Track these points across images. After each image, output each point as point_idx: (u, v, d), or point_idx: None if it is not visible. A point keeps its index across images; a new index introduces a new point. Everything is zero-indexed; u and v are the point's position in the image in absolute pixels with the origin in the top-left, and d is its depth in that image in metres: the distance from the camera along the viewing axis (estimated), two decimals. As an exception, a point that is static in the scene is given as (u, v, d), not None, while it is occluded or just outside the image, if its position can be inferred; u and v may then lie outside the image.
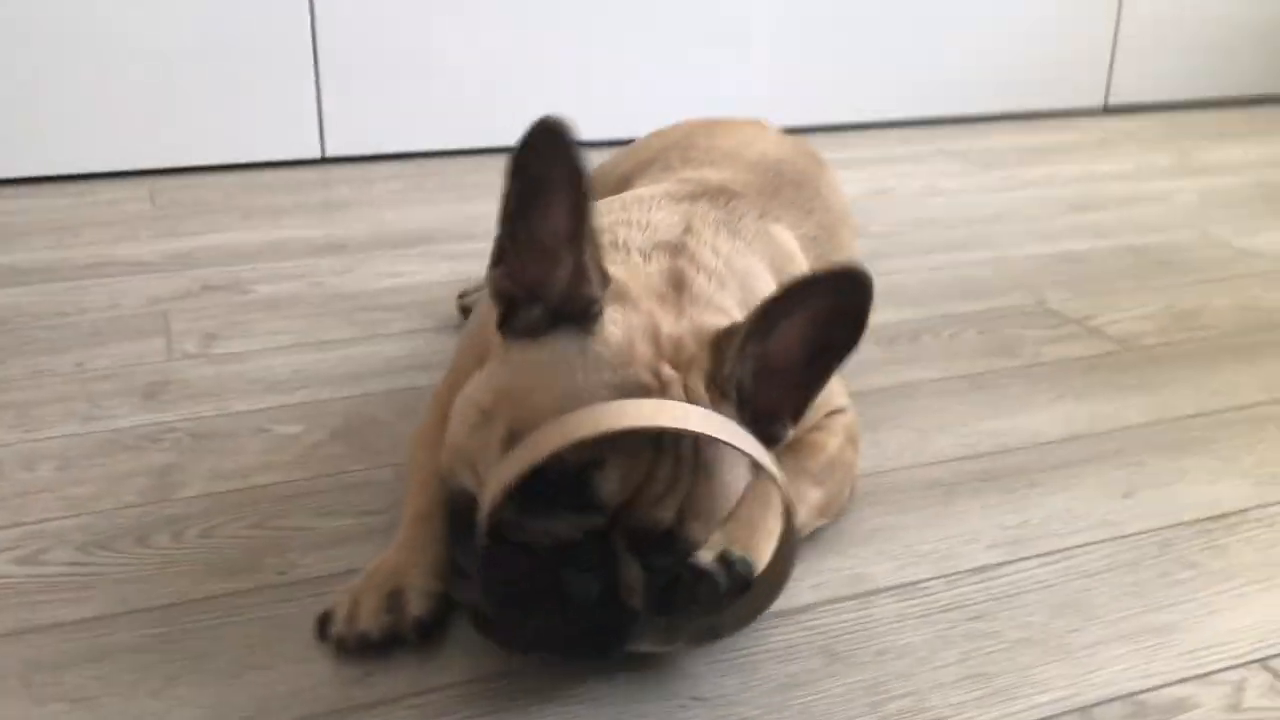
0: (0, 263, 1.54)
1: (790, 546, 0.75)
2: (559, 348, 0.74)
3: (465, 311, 1.32)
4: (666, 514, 0.73)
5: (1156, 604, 0.84)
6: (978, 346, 1.30)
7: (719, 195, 0.97)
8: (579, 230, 0.72)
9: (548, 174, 0.70)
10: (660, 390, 0.72)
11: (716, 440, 0.71)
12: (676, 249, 0.85)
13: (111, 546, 0.89)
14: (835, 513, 0.92)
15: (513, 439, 0.71)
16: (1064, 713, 0.73)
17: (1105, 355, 1.28)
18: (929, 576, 0.86)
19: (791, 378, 0.76)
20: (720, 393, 0.75)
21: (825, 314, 0.74)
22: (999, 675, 0.76)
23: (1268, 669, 0.77)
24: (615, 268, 0.78)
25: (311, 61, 2.03)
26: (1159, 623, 0.82)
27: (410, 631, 0.76)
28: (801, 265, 0.98)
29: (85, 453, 1.03)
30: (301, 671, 0.75)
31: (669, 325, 0.76)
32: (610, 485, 0.71)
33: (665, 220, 0.89)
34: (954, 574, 0.87)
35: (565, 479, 0.70)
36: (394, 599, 0.77)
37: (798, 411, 0.78)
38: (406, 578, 0.79)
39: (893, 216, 1.81)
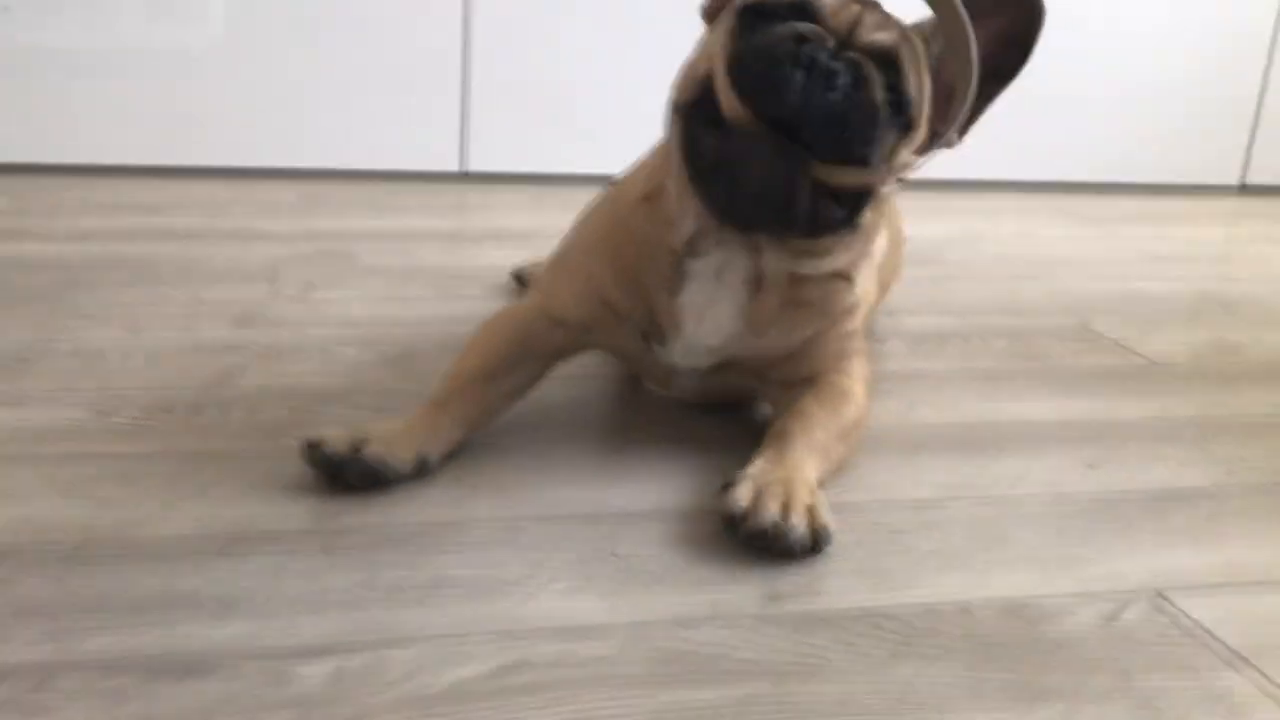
0: (156, 225, 1.77)
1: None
2: None
3: (518, 279, 1.47)
4: (888, 36, 0.84)
5: (1074, 543, 0.89)
6: (1002, 351, 1.35)
7: None
8: None
9: None
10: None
11: None
12: None
13: (170, 411, 1.04)
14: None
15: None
16: (944, 603, 0.79)
17: (1125, 366, 1.31)
18: (866, 500, 0.94)
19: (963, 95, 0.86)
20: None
21: (996, 35, 0.84)
22: (896, 572, 0.83)
23: (1160, 596, 0.81)
24: None
25: (460, 83, 2.24)
26: (1069, 555, 0.87)
27: (350, 468, 0.88)
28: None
29: (171, 352, 1.20)
30: (288, 501, 0.88)
31: None
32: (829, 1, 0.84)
33: None
34: (890, 501, 0.94)
35: (790, 8, 0.83)
36: (357, 444, 0.89)
37: (964, 128, 0.88)
38: (382, 436, 0.91)
39: (974, 250, 1.87)
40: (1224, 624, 0.78)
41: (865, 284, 1.00)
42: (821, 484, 0.90)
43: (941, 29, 0.86)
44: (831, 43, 0.83)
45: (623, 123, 2.27)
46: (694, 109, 0.87)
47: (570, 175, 2.27)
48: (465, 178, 2.30)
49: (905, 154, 0.87)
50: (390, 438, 0.91)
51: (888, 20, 0.87)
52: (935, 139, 0.89)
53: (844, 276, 0.96)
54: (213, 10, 2.14)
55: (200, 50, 2.15)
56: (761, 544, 0.81)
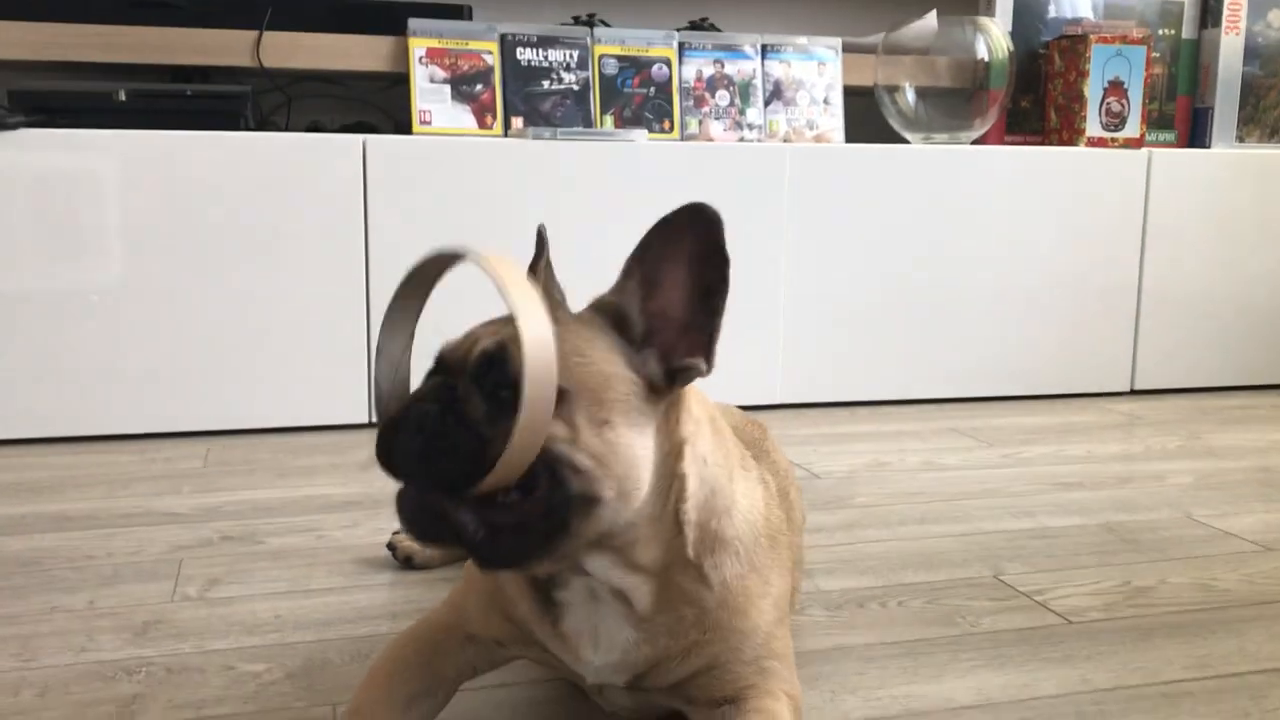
0: (51, 510, 1.72)
1: None
2: None
3: (391, 548, 1.51)
4: (488, 344, 0.86)
5: None
6: (919, 615, 1.35)
7: None
8: None
9: None
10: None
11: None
12: None
13: (62, 765, 0.99)
14: None
15: None
16: None
17: (1041, 628, 1.32)
18: (794, 828, 0.91)
19: (686, 323, 0.88)
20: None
21: (693, 256, 0.86)
22: None
23: None
24: None
25: (365, 336, 2.25)
26: None
27: None
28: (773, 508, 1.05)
29: (66, 681, 1.14)
30: None
31: None
32: (448, 348, 0.90)
33: None
34: (820, 827, 0.92)
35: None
36: None
37: (706, 352, 0.88)
38: None
39: (881, 490, 1.89)
40: None
41: (730, 576, 0.94)
42: None
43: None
44: (439, 381, 0.88)
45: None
46: None
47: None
48: (372, 427, 2.29)
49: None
50: None
51: (501, 328, 0.89)
52: (684, 372, 0.89)
53: (692, 564, 0.92)
54: (112, 255, 2.14)
55: (98, 298, 2.13)
56: None
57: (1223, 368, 2.82)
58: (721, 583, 0.94)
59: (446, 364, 0.89)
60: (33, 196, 2.08)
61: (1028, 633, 1.31)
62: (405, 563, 1.49)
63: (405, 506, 0.85)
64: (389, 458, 0.84)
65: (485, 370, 0.86)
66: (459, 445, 0.83)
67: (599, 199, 2.35)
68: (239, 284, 2.18)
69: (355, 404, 2.28)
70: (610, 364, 0.87)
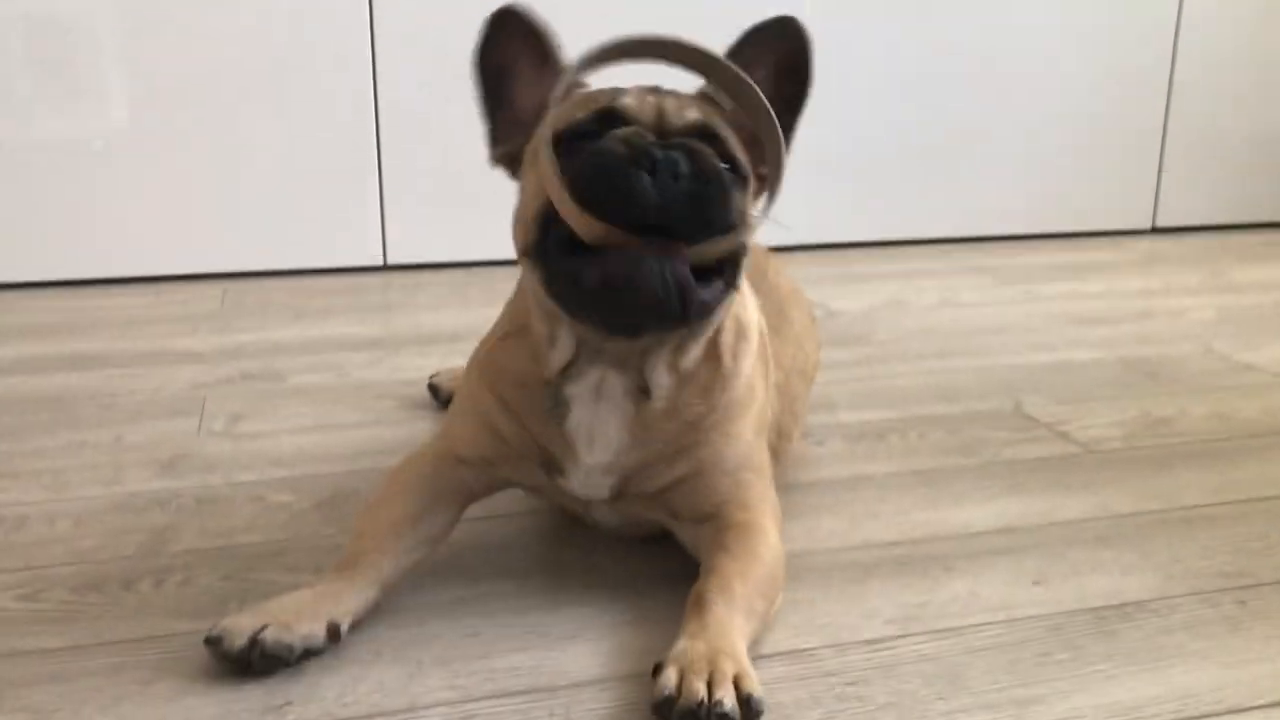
0: (70, 350, 1.72)
1: None
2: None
3: (432, 390, 1.49)
4: (695, 112, 0.89)
5: (1027, 680, 0.89)
6: (939, 446, 1.36)
7: None
8: (551, 93, 0.89)
9: (507, 60, 0.92)
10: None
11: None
12: None
13: (100, 589, 1.01)
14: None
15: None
16: (905, 767, 0.79)
17: (1062, 457, 1.33)
18: (818, 645, 0.93)
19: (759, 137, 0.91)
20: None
21: (774, 73, 0.91)
22: (856, 734, 0.82)
23: (1117, 741, 0.82)
24: None
25: (375, 178, 2.22)
26: (1024, 695, 0.87)
27: (253, 659, 0.85)
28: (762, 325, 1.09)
29: (98, 512, 1.16)
30: (230, 697, 0.85)
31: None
32: (630, 101, 0.89)
33: None
34: (843, 644, 0.93)
35: (599, 120, 0.88)
36: (255, 632, 0.86)
37: (776, 166, 0.90)
38: (282, 615, 0.88)
39: (900, 327, 1.89)
40: (1181, 766, 0.79)
41: (747, 371, 1.00)
42: (753, 641, 0.89)
43: (724, 88, 0.91)
44: (652, 137, 0.86)
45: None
46: (545, 246, 0.89)
47: (487, 261, 2.27)
48: (387, 270, 2.28)
49: (750, 210, 0.91)
50: (295, 611, 0.89)
51: (685, 98, 0.92)
52: (763, 186, 0.93)
53: (719, 360, 0.97)
54: (116, 101, 2.10)
55: (104, 144, 2.10)
56: None
57: (1247, 204, 2.78)
58: (742, 375, 0.99)
59: (641, 125, 0.88)
60: (33, 43, 2.02)
61: (1048, 462, 1.32)
62: (447, 404, 1.47)
63: (647, 276, 0.83)
64: (650, 200, 0.82)
65: (703, 137, 0.88)
66: (719, 192, 0.85)
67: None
68: (248, 125, 2.14)
69: (369, 246, 2.26)
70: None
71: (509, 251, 0.95)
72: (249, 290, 2.11)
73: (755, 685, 0.81)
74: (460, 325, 1.82)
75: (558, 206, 0.85)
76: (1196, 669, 0.91)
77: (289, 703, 0.84)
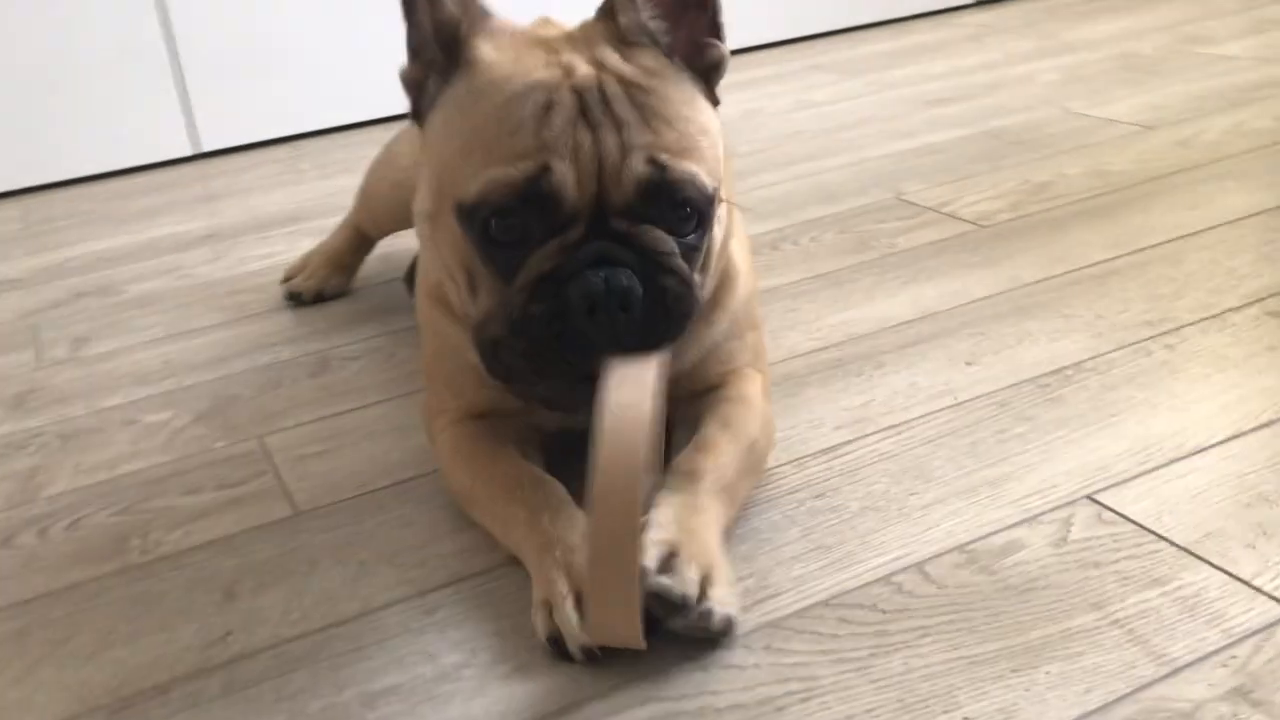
0: None
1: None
2: (450, 99, 0.78)
3: (294, 298, 1.33)
4: (641, 168, 0.72)
5: (991, 459, 0.87)
6: (835, 246, 1.32)
7: None
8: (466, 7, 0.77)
9: None
10: (566, 74, 0.74)
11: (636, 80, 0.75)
12: None
13: (-22, 551, 0.90)
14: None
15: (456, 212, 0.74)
16: (899, 570, 0.76)
17: (956, 237, 1.31)
18: (777, 464, 0.89)
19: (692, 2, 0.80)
20: (631, 44, 0.78)
21: None
22: (839, 545, 0.79)
23: (1095, 502, 0.81)
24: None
25: (170, 61, 2.01)
26: (993, 475, 0.85)
27: None
28: None
29: (-50, 468, 1.03)
30: (162, 640, 0.76)
31: (548, 31, 0.81)
32: (562, 177, 0.71)
33: None
34: (801, 458, 0.90)
35: (523, 203, 0.71)
36: None
37: (714, 28, 0.82)
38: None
39: (761, 135, 1.83)
40: (1162, 518, 0.78)
41: (743, 262, 0.91)
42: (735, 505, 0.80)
43: None
44: (581, 231, 0.72)
45: (345, 70, 2.11)
46: (480, 325, 0.76)
47: (312, 132, 2.11)
48: (202, 158, 2.10)
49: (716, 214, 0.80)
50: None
51: (627, 128, 0.73)
52: (714, 69, 0.83)
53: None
54: None
55: None
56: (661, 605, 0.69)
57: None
58: (739, 273, 0.90)
59: (575, 209, 0.72)
60: None
61: (945, 243, 1.29)
62: (315, 299, 1.33)
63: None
64: (602, 341, 0.71)
65: (651, 198, 0.73)
66: (678, 306, 0.74)
67: None
68: (19, 20, 1.90)
69: (175, 135, 2.07)
70: (713, 122, 0.82)
71: (342, 118, 0.83)
72: (52, 203, 1.91)
73: (722, 573, 0.72)
74: (298, 204, 1.68)
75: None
76: (1149, 418, 0.90)
77: (229, 632, 0.76)
